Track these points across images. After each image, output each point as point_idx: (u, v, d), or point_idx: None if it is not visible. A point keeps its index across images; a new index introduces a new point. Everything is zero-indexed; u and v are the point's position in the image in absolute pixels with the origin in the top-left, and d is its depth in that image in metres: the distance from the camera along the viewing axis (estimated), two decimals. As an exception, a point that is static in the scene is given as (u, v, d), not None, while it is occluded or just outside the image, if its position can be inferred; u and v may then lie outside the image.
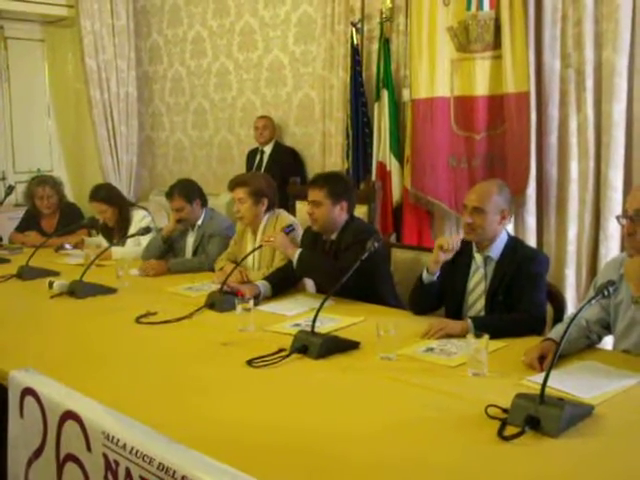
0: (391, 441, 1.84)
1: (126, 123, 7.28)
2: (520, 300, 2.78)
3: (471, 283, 2.97)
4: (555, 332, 2.44)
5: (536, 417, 1.81)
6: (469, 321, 2.67)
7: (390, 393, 2.18)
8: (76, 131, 7.65)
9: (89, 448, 1.93)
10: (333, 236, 3.43)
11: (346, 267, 2.82)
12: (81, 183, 7.29)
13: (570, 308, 3.69)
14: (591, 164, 4.30)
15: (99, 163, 7.22)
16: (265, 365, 2.37)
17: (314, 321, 2.52)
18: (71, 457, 2.01)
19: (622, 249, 4.25)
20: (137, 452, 1.75)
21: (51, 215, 5.14)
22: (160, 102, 7.43)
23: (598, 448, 1.77)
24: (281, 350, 2.49)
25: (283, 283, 3.48)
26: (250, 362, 2.40)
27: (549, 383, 1.89)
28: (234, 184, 3.88)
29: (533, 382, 2.14)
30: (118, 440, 1.82)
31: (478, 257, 2.96)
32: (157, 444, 1.76)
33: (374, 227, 3.98)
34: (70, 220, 4.99)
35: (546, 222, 4.53)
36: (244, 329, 2.81)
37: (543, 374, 2.10)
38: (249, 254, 3.52)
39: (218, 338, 2.72)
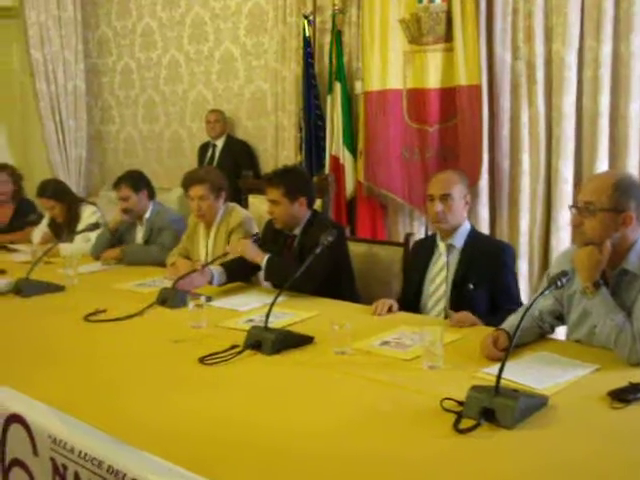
0: (346, 436, 1.81)
1: (74, 117, 7.11)
2: (502, 292, 2.84)
3: (431, 271, 2.99)
4: (508, 323, 2.44)
5: (491, 409, 1.80)
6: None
7: (345, 388, 2.15)
8: (22, 125, 7.44)
9: (36, 452, 1.87)
10: (296, 231, 3.39)
11: (315, 269, 2.80)
12: (29, 179, 7.05)
13: (523, 299, 3.72)
14: (542, 156, 4.35)
15: (47, 158, 7.04)
16: (218, 362, 2.33)
17: (267, 316, 2.48)
18: (17, 462, 1.94)
19: (573, 240, 4.31)
20: (86, 455, 1.69)
21: (4, 206, 4.99)
22: (109, 95, 7.28)
23: (553, 438, 1.76)
24: (234, 347, 2.45)
25: (238, 270, 3.42)
26: (202, 359, 2.34)
27: (504, 375, 1.89)
28: (191, 181, 3.79)
29: (488, 374, 2.14)
30: (66, 443, 1.75)
31: (441, 245, 2.99)
32: (106, 446, 1.70)
33: (336, 222, 3.95)
34: (23, 216, 4.86)
35: (499, 214, 4.57)
36: (196, 325, 2.75)
37: (498, 366, 2.12)
38: (212, 261, 3.43)
39: (170, 335, 2.66)
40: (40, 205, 4.60)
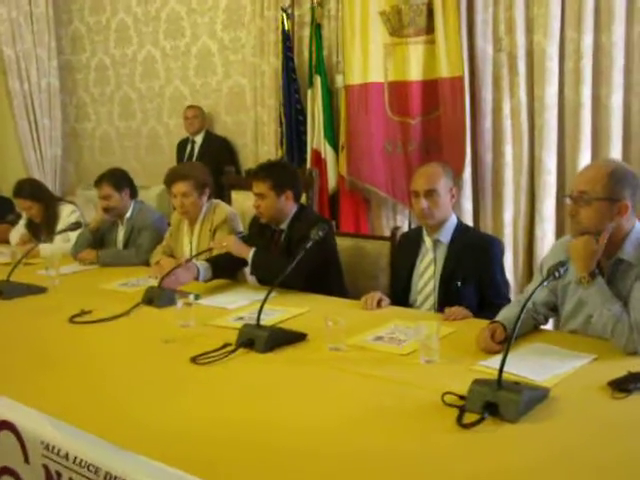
0: (347, 433, 1.78)
1: (49, 115, 7.00)
2: (490, 287, 2.82)
3: (419, 267, 2.96)
4: (503, 315, 2.42)
5: (494, 403, 1.77)
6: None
7: (342, 384, 2.12)
8: (-5, 124, 7.31)
9: (27, 460, 1.81)
10: (283, 225, 3.34)
11: (303, 265, 2.75)
12: (3, 179, 6.97)
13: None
14: (525, 148, 4.34)
15: (21, 158, 6.92)
16: (210, 362, 2.28)
17: (259, 314, 2.43)
18: (7, 470, 1.88)
19: (557, 231, 4.32)
20: (81, 462, 1.64)
21: None
22: (84, 92, 7.17)
23: (556, 431, 1.74)
24: (226, 345, 2.40)
25: (224, 266, 3.36)
26: (194, 359, 2.29)
27: (498, 367, 1.87)
28: (174, 177, 3.73)
29: (487, 367, 2.12)
30: (59, 450, 1.70)
31: (427, 240, 2.95)
32: (102, 452, 1.65)
33: (323, 217, 3.92)
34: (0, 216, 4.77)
35: (482, 206, 4.56)
36: (185, 324, 2.69)
37: (496, 358, 2.09)
38: (197, 255, 3.37)
39: (159, 335, 2.60)
40: (17, 205, 4.50)
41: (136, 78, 6.68)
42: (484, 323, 2.49)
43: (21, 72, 6.79)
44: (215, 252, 3.38)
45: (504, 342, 2.24)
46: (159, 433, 1.80)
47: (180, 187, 3.66)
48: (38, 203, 4.43)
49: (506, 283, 2.95)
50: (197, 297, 3.01)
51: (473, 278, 2.84)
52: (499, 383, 1.80)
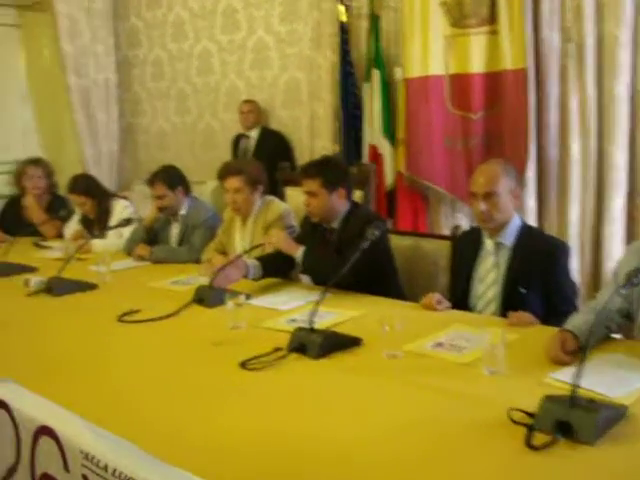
0: (403, 449, 1.65)
1: (106, 110, 7.00)
2: (557, 294, 2.64)
3: (480, 271, 2.79)
4: (573, 323, 2.24)
5: (567, 422, 1.61)
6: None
7: (398, 396, 1.98)
8: (54, 120, 7.33)
9: (67, 468, 1.72)
10: (335, 224, 3.21)
11: (356, 264, 2.60)
12: (60, 174, 6.98)
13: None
14: (593, 143, 4.14)
15: (78, 153, 6.95)
16: (261, 368, 2.16)
17: (312, 317, 2.31)
18: (47, 477, 1.80)
19: (626, 232, 4.09)
20: (121, 474, 1.54)
21: (36, 204, 4.89)
22: (141, 87, 7.16)
23: (638, 454, 1.58)
24: (277, 349, 2.29)
25: (275, 264, 3.25)
26: (244, 364, 2.18)
27: (570, 381, 1.71)
28: (227, 172, 3.65)
29: (557, 380, 1.96)
30: (99, 461, 1.61)
31: (489, 243, 2.77)
32: (144, 465, 1.54)
33: (377, 214, 3.78)
34: (55, 212, 4.74)
35: (547, 204, 4.36)
36: (236, 326, 2.59)
37: (568, 370, 1.94)
38: (249, 251, 3.27)
39: (208, 337, 2.51)
40: (72, 201, 4.48)
41: (192, 72, 6.63)
42: (551, 330, 2.33)
43: (79, 67, 6.79)
44: (268, 250, 3.27)
45: (575, 352, 2.07)
46: (204, 445, 1.70)
47: (232, 182, 3.57)
48: (92, 199, 4.41)
49: (574, 289, 2.76)
50: (248, 297, 2.91)
51: (539, 284, 2.65)
52: (573, 400, 1.64)
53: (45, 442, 1.79)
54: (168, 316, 2.78)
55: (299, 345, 2.27)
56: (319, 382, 2.10)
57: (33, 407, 1.90)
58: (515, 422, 1.69)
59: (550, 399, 1.68)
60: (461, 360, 2.17)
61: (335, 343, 2.29)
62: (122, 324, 2.75)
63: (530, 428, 1.65)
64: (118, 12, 7.08)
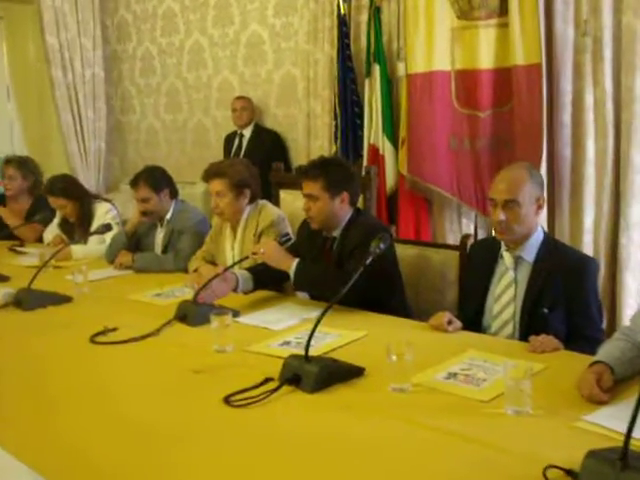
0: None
1: (93, 106, 6.73)
2: (581, 315, 2.36)
3: (497, 288, 2.49)
4: (607, 353, 1.94)
5: (618, 487, 1.32)
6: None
7: (405, 441, 1.68)
8: (39, 115, 7.06)
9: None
10: (335, 233, 2.92)
11: (357, 279, 2.28)
12: (46, 173, 6.70)
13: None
14: (610, 143, 3.87)
15: (65, 151, 6.66)
16: (247, 404, 1.87)
17: (308, 344, 2.01)
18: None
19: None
20: None
21: (18, 202, 4.61)
22: (130, 83, 6.88)
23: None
24: (268, 380, 1.99)
25: (268, 275, 2.95)
26: (228, 399, 1.89)
27: (615, 427, 1.44)
28: (210, 175, 3.37)
29: (592, 423, 1.67)
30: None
31: (507, 257, 2.48)
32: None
33: (382, 223, 3.49)
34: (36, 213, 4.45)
35: (559, 208, 4.07)
36: (221, 349, 2.31)
37: (605, 411, 1.67)
38: (237, 263, 2.98)
39: (189, 362, 2.21)
40: (51, 203, 4.19)
41: (183, 68, 6.36)
42: (578, 358, 2.08)
43: (65, 62, 6.52)
44: (259, 260, 2.98)
45: (612, 389, 1.79)
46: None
47: (215, 185, 3.31)
48: (72, 201, 4.11)
49: (600, 310, 2.46)
50: (236, 314, 2.62)
51: (562, 304, 2.36)
52: (624, 458, 1.34)
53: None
54: (145, 337, 2.47)
55: (292, 376, 1.97)
56: (314, 422, 1.80)
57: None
58: (552, 483, 1.41)
59: (595, 456, 1.39)
60: (479, 396, 1.87)
61: (333, 374, 1.99)
62: (94, 345, 2.45)
63: (573, 494, 1.36)
64: (106, 4, 6.81)
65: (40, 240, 4.37)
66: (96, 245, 3.99)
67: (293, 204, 3.84)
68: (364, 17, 4.79)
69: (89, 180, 6.57)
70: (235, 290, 2.85)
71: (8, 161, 4.62)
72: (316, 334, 2.09)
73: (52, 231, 4.30)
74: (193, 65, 6.26)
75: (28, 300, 2.94)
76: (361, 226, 2.84)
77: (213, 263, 3.41)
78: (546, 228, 3.99)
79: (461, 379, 2.00)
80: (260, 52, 5.70)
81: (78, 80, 6.59)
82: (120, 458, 1.64)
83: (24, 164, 4.66)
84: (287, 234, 3.04)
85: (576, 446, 1.50)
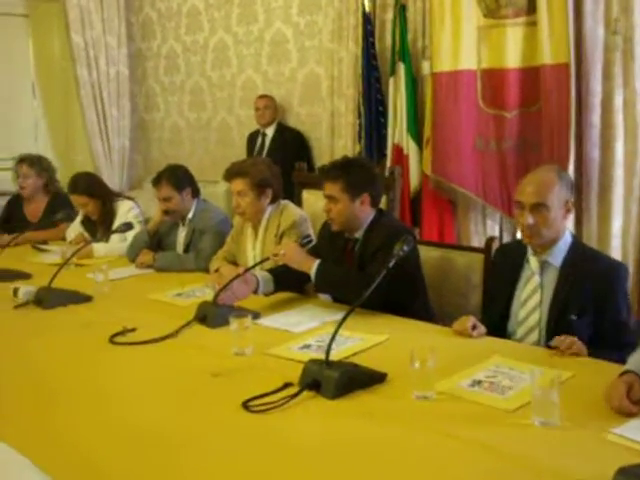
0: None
1: (117, 104, 6.73)
2: (610, 322, 2.28)
3: (522, 293, 2.43)
4: (636, 362, 1.88)
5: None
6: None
7: (427, 450, 1.63)
8: (64, 113, 7.07)
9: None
10: (357, 234, 2.86)
11: (381, 282, 2.22)
12: (71, 170, 6.69)
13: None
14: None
15: (89, 148, 6.67)
16: (266, 410, 1.83)
17: (328, 348, 1.97)
18: None
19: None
20: None
21: (33, 201, 4.61)
22: (154, 81, 6.88)
23: None
24: (287, 385, 1.95)
25: (289, 276, 2.90)
26: (246, 404, 1.85)
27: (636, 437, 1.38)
28: (232, 174, 3.34)
29: (621, 436, 1.61)
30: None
31: (533, 261, 2.41)
32: None
33: (405, 225, 3.43)
34: (55, 212, 4.43)
35: (587, 212, 3.99)
36: (240, 352, 2.27)
37: (635, 424, 1.61)
38: (253, 267, 2.94)
39: (208, 365, 2.18)
40: (73, 202, 4.18)
41: (207, 66, 6.33)
42: (607, 366, 2.03)
43: (90, 60, 6.52)
44: (279, 262, 2.93)
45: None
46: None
47: (236, 185, 3.28)
48: (94, 199, 4.09)
49: (629, 317, 2.39)
50: (256, 316, 2.58)
51: (590, 310, 2.30)
52: (656, 477, 1.29)
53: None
54: (164, 338, 2.44)
55: (312, 382, 1.93)
56: (334, 429, 1.76)
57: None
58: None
59: (626, 473, 1.34)
60: (505, 405, 1.82)
61: (355, 380, 1.95)
62: (113, 346, 2.43)
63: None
64: (131, 2, 6.81)
65: (63, 238, 4.36)
66: (118, 243, 3.98)
67: (315, 204, 3.79)
68: (389, 15, 4.73)
69: (113, 178, 6.59)
70: (255, 292, 2.81)
71: (21, 160, 4.60)
72: (337, 337, 2.05)
73: (75, 229, 4.29)
74: (217, 63, 6.23)
75: (48, 299, 2.93)
76: (384, 228, 2.79)
77: (234, 263, 3.38)
78: (573, 232, 3.93)
79: (486, 387, 1.95)
80: (284, 50, 5.66)
81: (103, 78, 6.60)
82: (133, 461, 1.62)
83: (37, 162, 4.64)
84: (308, 236, 2.99)
85: (605, 461, 1.46)
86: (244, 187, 3.25)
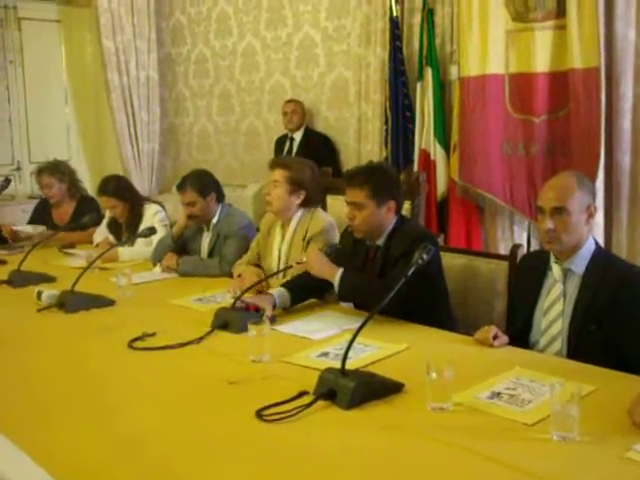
0: None
1: (147, 109, 6.79)
2: (633, 332, 2.21)
3: (545, 302, 2.38)
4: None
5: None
6: None
7: (443, 465, 1.59)
8: (96, 118, 7.16)
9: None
10: (379, 241, 2.83)
11: (402, 289, 2.17)
12: (100, 175, 6.77)
13: None
14: (672, 151, 3.69)
15: (119, 152, 6.73)
16: (279, 419, 1.81)
17: (344, 357, 1.94)
18: None
19: None
20: None
21: (61, 206, 4.66)
22: (183, 86, 6.92)
23: None
24: (302, 394, 1.93)
25: (305, 291, 2.90)
26: (260, 412, 1.83)
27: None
28: (276, 164, 3.42)
29: (643, 453, 1.56)
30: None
31: (556, 269, 2.36)
32: None
33: (429, 231, 3.39)
34: (84, 215, 4.46)
35: (617, 219, 3.93)
36: (257, 359, 2.25)
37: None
38: (276, 273, 2.93)
39: (224, 372, 2.16)
40: (101, 203, 4.21)
41: (236, 71, 6.36)
42: (631, 379, 1.99)
43: (120, 65, 6.58)
44: (293, 250, 2.93)
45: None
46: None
47: (275, 174, 3.33)
48: (123, 202, 4.11)
49: None
50: (274, 319, 2.57)
51: (614, 320, 2.23)
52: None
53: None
54: (183, 344, 2.43)
55: (327, 391, 1.90)
56: (348, 441, 1.73)
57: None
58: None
59: (645, 493, 1.29)
60: (523, 419, 1.77)
61: (371, 390, 1.91)
62: (132, 351, 2.43)
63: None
64: (161, 8, 6.86)
65: (91, 241, 4.39)
66: (143, 247, 3.99)
67: (341, 210, 3.75)
68: (417, 19, 4.71)
69: (142, 182, 6.64)
70: (273, 307, 2.78)
71: (40, 171, 4.61)
72: (355, 345, 2.03)
73: (102, 232, 4.32)
74: (246, 68, 6.25)
75: (71, 302, 2.94)
76: (407, 234, 2.75)
77: (258, 266, 3.38)
78: (603, 240, 3.86)
79: (505, 399, 1.90)
80: (312, 55, 5.66)
81: (133, 83, 6.66)
82: (143, 468, 1.61)
83: (55, 168, 4.64)
84: (335, 245, 2.96)
85: (624, 479, 1.40)
86: (280, 178, 3.28)
